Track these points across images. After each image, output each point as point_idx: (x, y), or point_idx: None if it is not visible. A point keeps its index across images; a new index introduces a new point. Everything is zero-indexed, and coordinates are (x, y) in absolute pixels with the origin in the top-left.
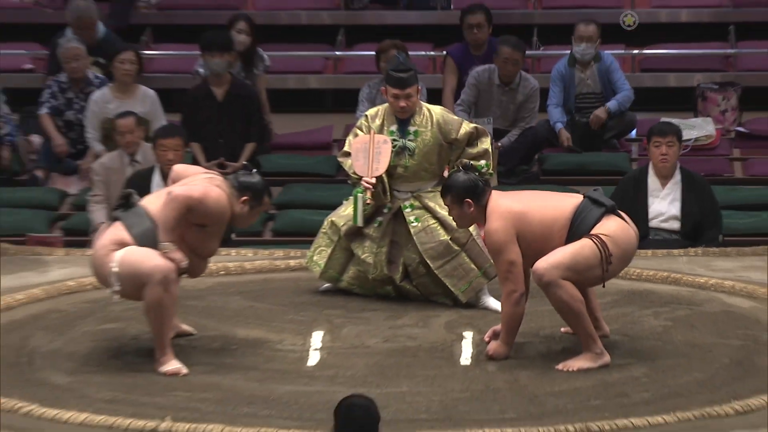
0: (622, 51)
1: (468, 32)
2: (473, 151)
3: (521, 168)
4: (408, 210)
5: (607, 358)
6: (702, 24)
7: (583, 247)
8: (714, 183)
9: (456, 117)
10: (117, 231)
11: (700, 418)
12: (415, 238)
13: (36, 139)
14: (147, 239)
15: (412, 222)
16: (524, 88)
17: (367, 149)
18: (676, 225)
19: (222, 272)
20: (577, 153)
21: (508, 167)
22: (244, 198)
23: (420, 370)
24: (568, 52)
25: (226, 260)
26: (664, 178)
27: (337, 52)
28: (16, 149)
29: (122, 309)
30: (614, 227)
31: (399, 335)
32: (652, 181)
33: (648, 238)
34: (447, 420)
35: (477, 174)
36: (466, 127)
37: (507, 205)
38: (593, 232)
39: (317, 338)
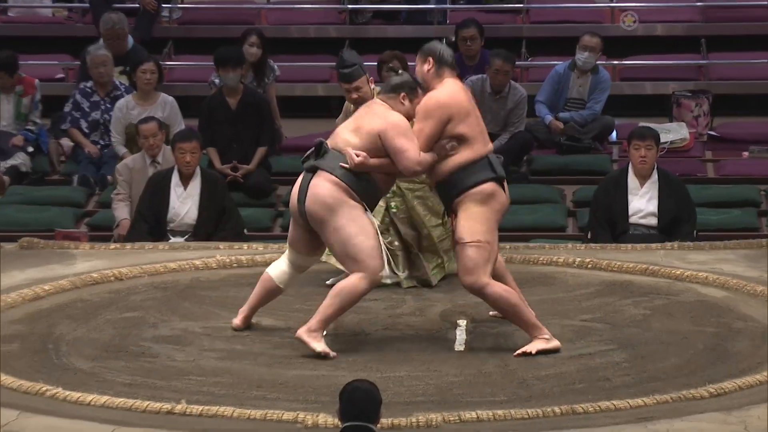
0: (603, 62)
1: (462, 44)
2: None
3: (511, 169)
4: (388, 196)
5: (556, 343)
6: (676, 37)
7: (482, 248)
8: (688, 182)
9: None
10: (326, 176)
11: (677, 401)
12: (396, 220)
13: (66, 142)
14: (350, 177)
15: (392, 208)
16: (513, 96)
17: None
18: (653, 221)
19: (235, 265)
20: (564, 144)
21: None
22: (402, 95)
23: (417, 356)
24: (554, 63)
25: (238, 254)
26: (643, 178)
27: None
28: (48, 152)
29: (141, 299)
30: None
31: (397, 323)
32: (632, 180)
33: (628, 233)
34: (442, 402)
35: None
36: None
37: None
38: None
39: None
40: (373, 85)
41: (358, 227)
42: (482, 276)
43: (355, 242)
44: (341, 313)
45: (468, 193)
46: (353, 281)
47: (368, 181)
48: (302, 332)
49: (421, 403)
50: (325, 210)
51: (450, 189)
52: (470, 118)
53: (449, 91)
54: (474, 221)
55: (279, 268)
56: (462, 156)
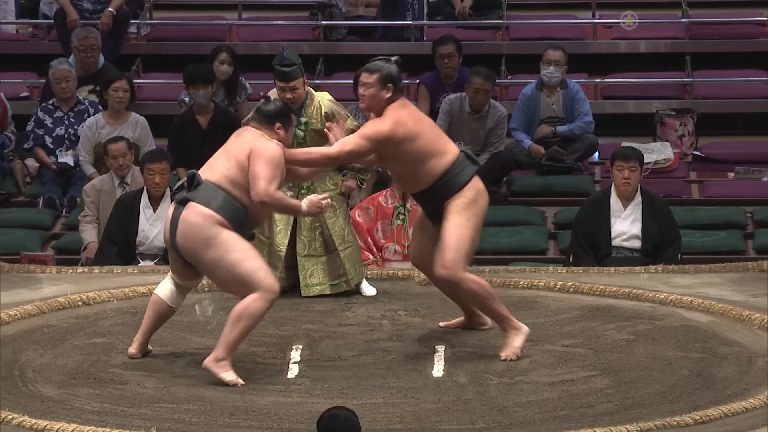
0: (585, 79)
1: (439, 62)
2: None
3: (491, 189)
4: (302, 192)
5: (525, 327)
6: (660, 54)
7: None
8: (672, 204)
9: (344, 111)
10: (198, 209)
11: (662, 428)
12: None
13: (31, 163)
14: (226, 209)
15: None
16: (493, 116)
17: None
18: (637, 244)
19: (206, 289)
20: (545, 164)
21: None
22: (277, 125)
23: (394, 382)
24: (534, 80)
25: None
26: (626, 199)
27: (317, 81)
28: (12, 172)
29: (110, 324)
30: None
31: (374, 349)
32: (615, 202)
33: (611, 256)
34: (420, 430)
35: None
36: (350, 124)
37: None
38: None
39: (296, 352)
40: (307, 87)
41: (238, 253)
42: (460, 269)
43: (240, 268)
44: (245, 337)
45: (461, 192)
46: (251, 303)
47: (244, 213)
48: (209, 362)
49: (398, 431)
50: (199, 244)
51: (442, 193)
52: (421, 138)
53: (394, 119)
54: (465, 219)
55: (167, 288)
56: (441, 163)
